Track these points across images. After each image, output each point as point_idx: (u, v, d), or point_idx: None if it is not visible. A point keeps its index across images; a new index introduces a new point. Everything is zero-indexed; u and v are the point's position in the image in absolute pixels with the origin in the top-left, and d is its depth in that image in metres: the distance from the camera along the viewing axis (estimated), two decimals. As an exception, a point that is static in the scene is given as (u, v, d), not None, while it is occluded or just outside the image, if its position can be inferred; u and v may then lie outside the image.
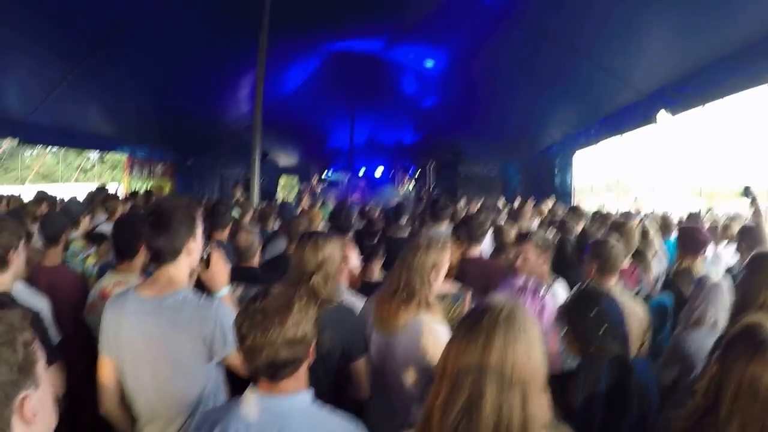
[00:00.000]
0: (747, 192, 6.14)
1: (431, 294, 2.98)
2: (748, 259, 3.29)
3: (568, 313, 2.59)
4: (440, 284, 3.09)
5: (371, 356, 3.04)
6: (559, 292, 3.83)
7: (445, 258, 3.08)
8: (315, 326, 1.96)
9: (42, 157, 28.61)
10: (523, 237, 4.17)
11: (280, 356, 1.83)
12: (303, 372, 1.97)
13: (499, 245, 5.52)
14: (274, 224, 7.27)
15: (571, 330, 2.54)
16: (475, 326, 1.64)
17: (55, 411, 1.34)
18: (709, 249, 6.52)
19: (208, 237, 4.83)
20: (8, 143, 12.67)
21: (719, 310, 3.43)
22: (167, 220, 2.45)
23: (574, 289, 3.10)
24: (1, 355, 1.14)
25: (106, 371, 2.52)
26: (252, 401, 1.91)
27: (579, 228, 6.93)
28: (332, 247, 2.97)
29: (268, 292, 1.93)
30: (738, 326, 1.94)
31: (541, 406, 1.61)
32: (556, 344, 2.97)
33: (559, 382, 2.48)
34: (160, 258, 2.48)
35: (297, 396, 1.92)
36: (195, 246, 2.55)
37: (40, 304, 3.15)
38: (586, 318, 2.46)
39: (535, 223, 7.95)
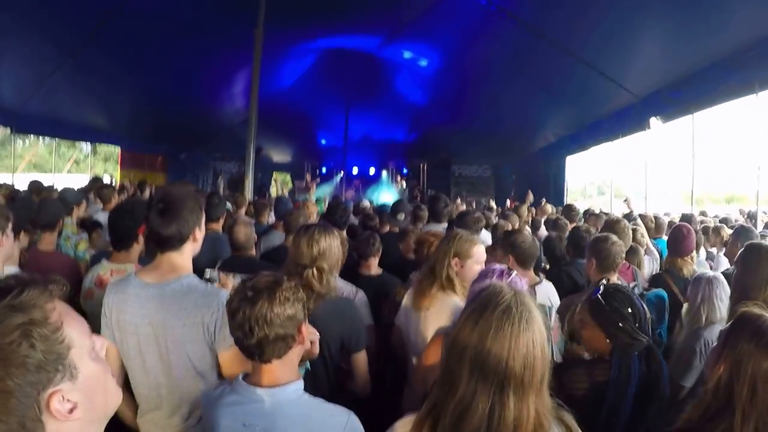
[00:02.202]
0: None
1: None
2: (740, 252, 3.26)
3: (599, 309, 2.59)
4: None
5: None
6: (551, 292, 3.85)
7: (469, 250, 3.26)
8: (304, 308, 2.01)
9: (34, 147, 28.39)
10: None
11: (270, 332, 1.87)
12: (293, 358, 2.01)
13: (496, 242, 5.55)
14: (268, 218, 7.27)
15: (605, 329, 2.56)
16: (479, 320, 1.60)
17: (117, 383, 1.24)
18: (701, 251, 6.61)
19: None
20: (0, 132, 12.59)
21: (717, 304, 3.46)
22: (178, 208, 2.42)
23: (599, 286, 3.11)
24: (11, 358, 1.00)
25: (109, 356, 2.35)
26: (244, 391, 1.95)
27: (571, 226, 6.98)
28: (329, 241, 2.94)
29: (260, 274, 2.00)
30: (736, 320, 1.90)
31: (540, 400, 1.59)
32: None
33: (586, 368, 2.56)
34: (166, 245, 2.45)
35: (287, 387, 1.94)
36: (200, 234, 2.54)
37: None
38: (623, 317, 2.51)
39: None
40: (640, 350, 2.49)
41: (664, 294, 4.27)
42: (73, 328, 1.11)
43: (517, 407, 1.53)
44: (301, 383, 1.98)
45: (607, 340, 2.53)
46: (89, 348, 1.15)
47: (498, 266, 2.76)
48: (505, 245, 4.10)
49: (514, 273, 2.71)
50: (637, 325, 2.48)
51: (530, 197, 11.61)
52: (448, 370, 1.62)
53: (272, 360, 1.93)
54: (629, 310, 2.50)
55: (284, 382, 1.94)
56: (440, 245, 3.32)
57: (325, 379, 2.80)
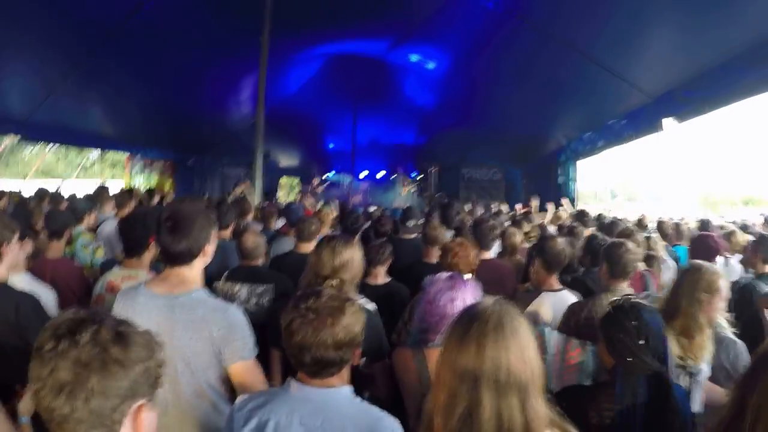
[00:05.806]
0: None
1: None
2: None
3: (604, 323, 2.45)
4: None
5: None
6: (567, 301, 3.73)
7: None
8: (363, 330, 2.03)
9: (43, 154, 28.66)
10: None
11: (328, 356, 1.90)
12: (346, 371, 2.04)
13: (506, 248, 5.49)
14: (275, 223, 7.19)
15: (607, 341, 2.41)
16: (465, 335, 1.64)
17: None
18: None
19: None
20: (10, 140, 12.59)
21: None
22: (187, 226, 2.45)
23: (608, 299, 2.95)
24: (136, 363, 1.25)
25: None
26: (296, 391, 1.97)
27: (586, 233, 6.84)
28: (352, 253, 2.99)
29: (321, 293, 2.00)
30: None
31: (541, 406, 1.61)
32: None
33: (588, 393, 2.39)
34: (176, 261, 2.47)
35: (340, 389, 1.97)
36: (210, 248, 2.55)
37: (46, 294, 3.26)
38: (625, 329, 2.33)
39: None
40: (647, 373, 2.29)
41: None
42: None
43: (523, 410, 1.57)
44: (350, 388, 2.01)
45: (611, 356, 2.40)
46: None
47: (446, 274, 2.69)
48: (536, 248, 4.14)
49: (468, 278, 2.64)
50: (642, 342, 2.29)
51: (535, 203, 11.20)
52: (448, 384, 1.64)
53: (326, 378, 1.97)
54: (634, 323, 2.33)
55: (335, 386, 1.98)
56: (683, 279, 3.20)
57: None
